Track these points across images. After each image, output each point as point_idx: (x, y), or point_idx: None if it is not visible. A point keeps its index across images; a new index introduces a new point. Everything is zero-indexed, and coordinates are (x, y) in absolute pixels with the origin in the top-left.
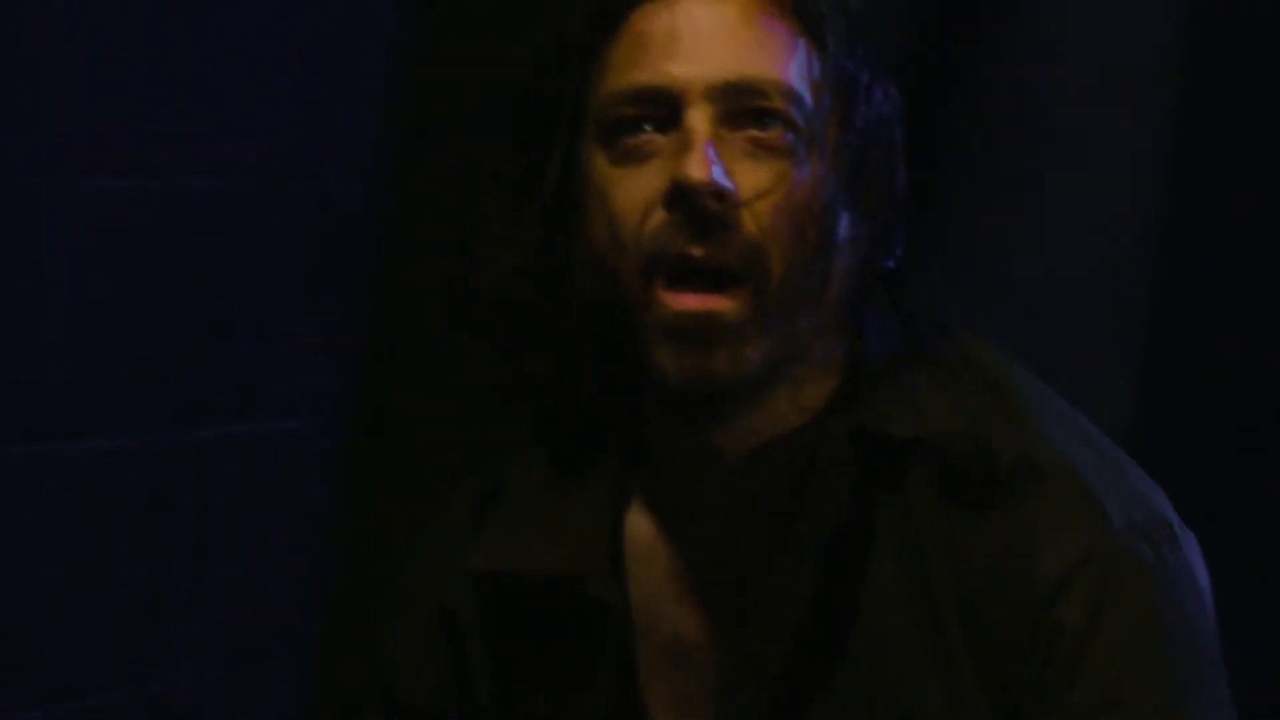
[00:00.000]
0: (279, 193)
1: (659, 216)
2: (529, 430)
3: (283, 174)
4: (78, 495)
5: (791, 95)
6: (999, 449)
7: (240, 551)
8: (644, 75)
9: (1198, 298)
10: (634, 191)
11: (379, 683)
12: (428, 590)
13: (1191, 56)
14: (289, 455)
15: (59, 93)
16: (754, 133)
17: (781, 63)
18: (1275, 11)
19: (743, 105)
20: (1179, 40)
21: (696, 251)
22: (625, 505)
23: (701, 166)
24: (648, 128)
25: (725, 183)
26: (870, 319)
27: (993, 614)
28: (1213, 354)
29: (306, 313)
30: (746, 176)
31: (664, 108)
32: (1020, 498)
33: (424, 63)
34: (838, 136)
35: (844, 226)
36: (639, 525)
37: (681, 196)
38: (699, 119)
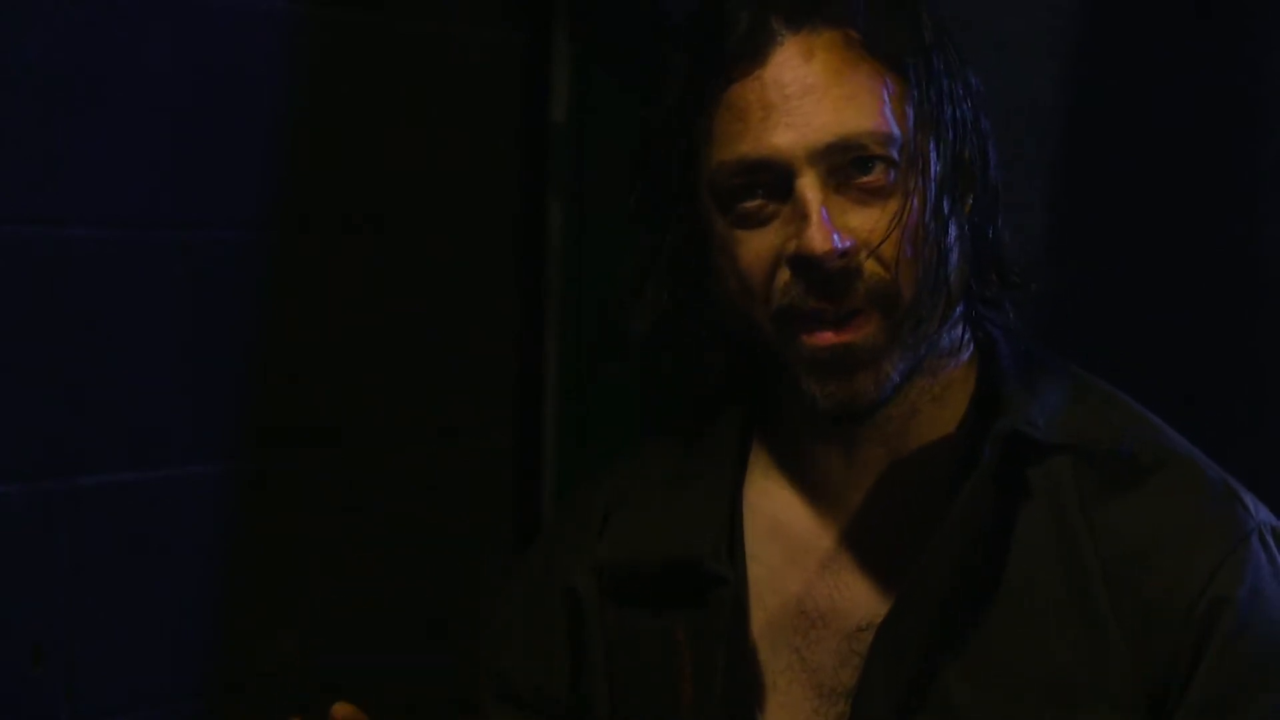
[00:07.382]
0: (161, 239)
1: (785, 275)
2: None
3: (165, 221)
4: None
5: (888, 139)
6: (1138, 449)
7: (122, 600)
8: (748, 148)
9: None
10: (758, 250)
11: (493, 673)
12: (553, 574)
13: None
14: (170, 502)
15: None
16: (860, 180)
17: (872, 110)
18: None
19: (845, 160)
20: None
21: (826, 307)
22: (744, 484)
23: (823, 238)
24: (760, 193)
25: (844, 245)
26: (997, 333)
27: (1149, 589)
28: None
29: (187, 360)
30: (862, 223)
31: (773, 175)
32: (1164, 490)
33: (308, 109)
34: (933, 147)
35: (953, 227)
36: (761, 503)
37: (806, 265)
38: (809, 186)
